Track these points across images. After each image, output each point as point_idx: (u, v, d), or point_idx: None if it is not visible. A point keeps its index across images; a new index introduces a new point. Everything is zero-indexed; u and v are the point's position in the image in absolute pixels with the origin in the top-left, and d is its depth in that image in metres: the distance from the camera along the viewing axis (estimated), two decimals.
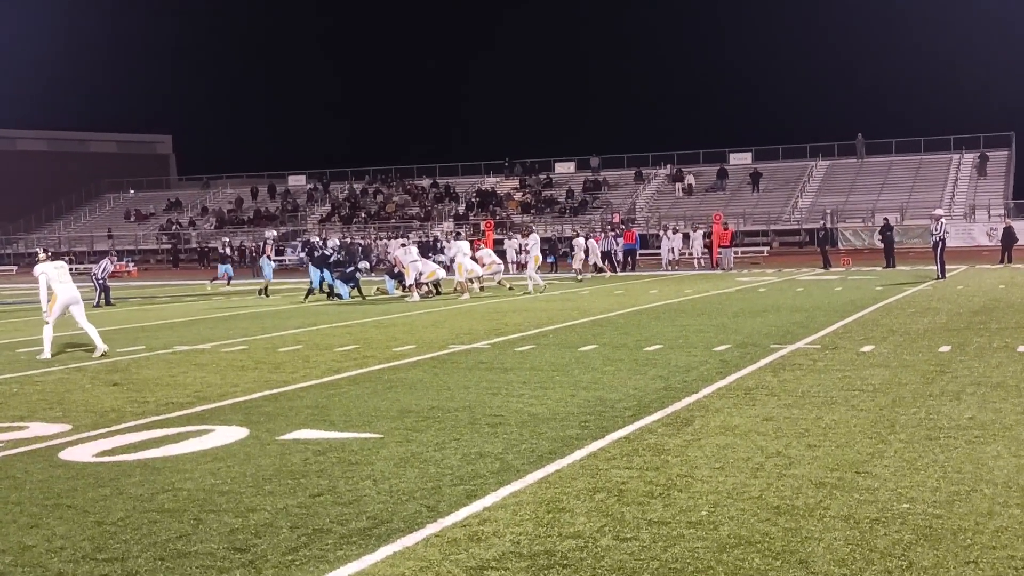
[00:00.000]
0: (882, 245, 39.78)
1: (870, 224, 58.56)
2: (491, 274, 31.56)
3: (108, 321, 23.47)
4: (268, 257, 36.14)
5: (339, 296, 29.56)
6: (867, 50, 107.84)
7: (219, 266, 39.49)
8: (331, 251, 30.71)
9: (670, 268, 43.54)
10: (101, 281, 30.53)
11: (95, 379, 13.26)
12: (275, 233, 55.55)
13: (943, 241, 30.58)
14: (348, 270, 30.01)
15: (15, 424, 10.13)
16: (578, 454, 7.96)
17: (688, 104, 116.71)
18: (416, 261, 29.03)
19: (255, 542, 5.97)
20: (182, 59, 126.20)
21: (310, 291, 30.06)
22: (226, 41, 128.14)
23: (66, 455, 8.54)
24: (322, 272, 30.08)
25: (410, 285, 28.69)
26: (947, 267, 30.56)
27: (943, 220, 31.42)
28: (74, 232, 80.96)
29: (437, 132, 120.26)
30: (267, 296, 31.43)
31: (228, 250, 40.57)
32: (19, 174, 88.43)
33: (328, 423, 9.57)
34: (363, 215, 73.60)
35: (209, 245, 70.01)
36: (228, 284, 38.36)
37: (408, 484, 7.17)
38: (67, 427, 9.83)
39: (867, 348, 13.90)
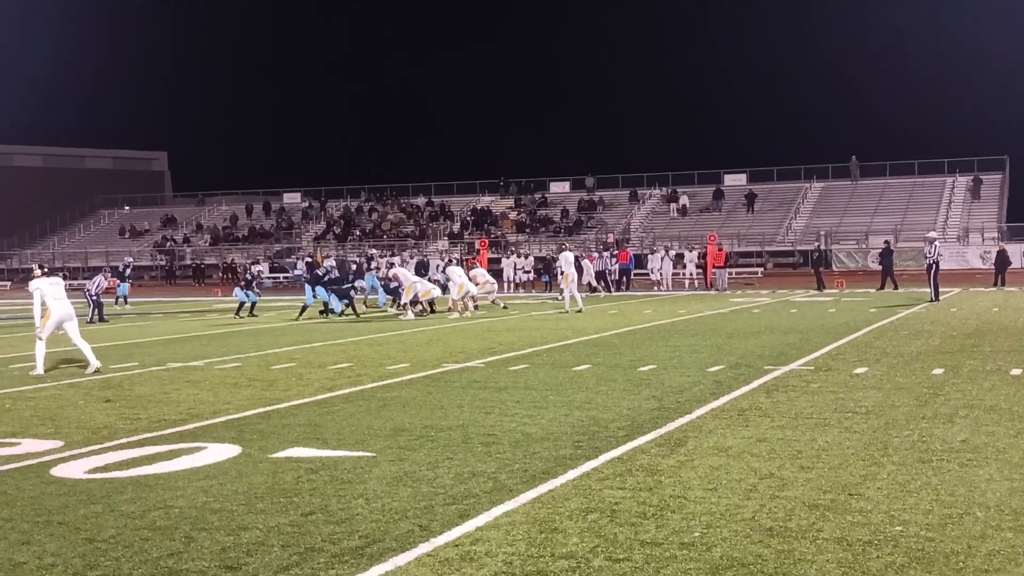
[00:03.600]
0: (880, 268, 39.77)
1: (864, 246, 58.71)
2: (485, 293, 31.53)
3: (102, 337, 23.42)
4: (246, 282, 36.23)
5: (332, 311, 29.54)
6: (862, 73, 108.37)
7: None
8: (326, 269, 30.71)
9: (656, 288, 43.86)
10: (95, 297, 30.49)
11: (88, 395, 13.23)
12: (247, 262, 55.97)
13: (936, 264, 30.57)
14: (344, 287, 30.06)
15: (7, 440, 10.10)
16: (571, 474, 7.95)
17: (684, 125, 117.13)
18: (416, 281, 29.08)
19: (247, 560, 5.95)
20: (177, 76, 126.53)
21: (304, 308, 30.00)
22: (222, 58, 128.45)
23: (58, 471, 8.51)
24: (315, 290, 30.04)
25: (405, 304, 28.69)
26: (940, 290, 30.60)
27: (937, 243, 31.44)
28: (69, 248, 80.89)
29: (432, 150, 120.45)
30: (250, 316, 30.86)
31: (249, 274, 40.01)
32: (14, 190, 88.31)
33: (321, 441, 9.55)
34: (358, 233, 73.63)
35: (205, 262, 70.01)
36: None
37: (401, 503, 7.15)
38: (59, 443, 9.80)
39: (860, 370, 13.91)
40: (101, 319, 30.01)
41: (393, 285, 30.61)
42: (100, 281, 31.35)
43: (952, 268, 49.65)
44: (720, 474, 7.83)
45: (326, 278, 30.04)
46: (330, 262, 32.34)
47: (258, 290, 32.15)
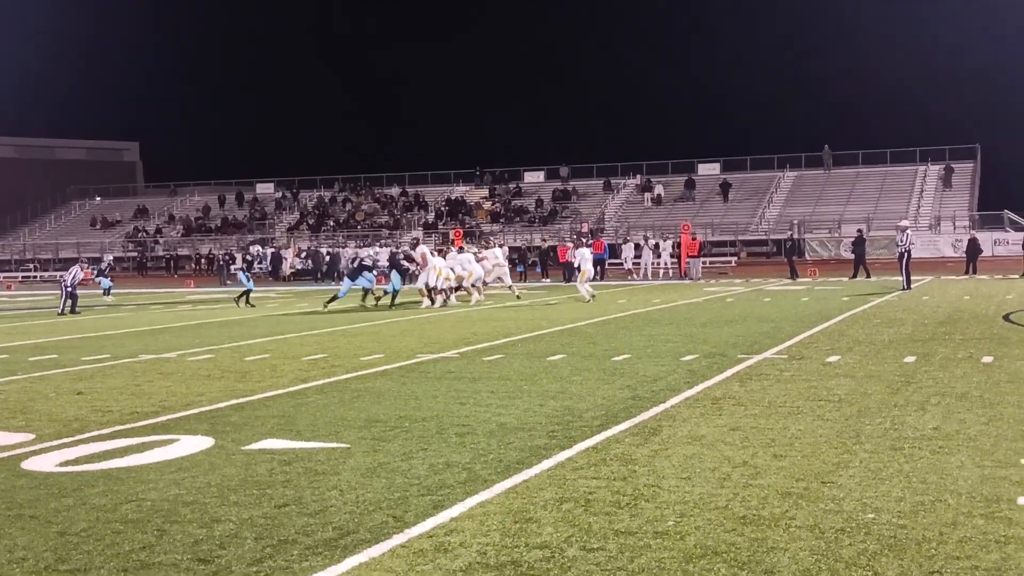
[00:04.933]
0: (852, 256, 39.96)
1: (836, 235, 59.01)
2: (496, 279, 31.91)
3: (73, 329, 23.26)
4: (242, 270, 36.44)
5: (336, 297, 29.35)
6: (834, 62, 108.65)
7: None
8: (366, 259, 30.78)
9: (630, 278, 44.11)
10: (70, 289, 30.22)
11: (59, 388, 13.13)
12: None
13: (908, 252, 30.74)
14: (354, 267, 30.41)
15: None
16: (546, 464, 7.95)
17: (657, 115, 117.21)
18: (442, 265, 28.71)
19: (219, 553, 5.92)
20: (149, 66, 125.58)
21: (395, 294, 29.88)
22: (194, 48, 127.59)
23: (29, 465, 8.44)
24: (353, 280, 30.02)
25: (445, 289, 28.45)
26: (912, 278, 30.80)
27: (908, 231, 31.59)
28: (40, 240, 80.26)
29: (406, 140, 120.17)
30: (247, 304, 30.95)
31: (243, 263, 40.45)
32: None
33: (294, 433, 9.51)
34: (332, 223, 73.39)
35: (177, 253, 69.64)
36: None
37: (375, 494, 7.13)
38: (30, 436, 9.72)
39: (833, 359, 13.98)
40: (74, 311, 29.78)
41: (412, 267, 29.82)
42: (76, 272, 31.08)
43: (924, 256, 49.97)
44: (694, 463, 7.85)
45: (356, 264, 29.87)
46: (373, 250, 31.69)
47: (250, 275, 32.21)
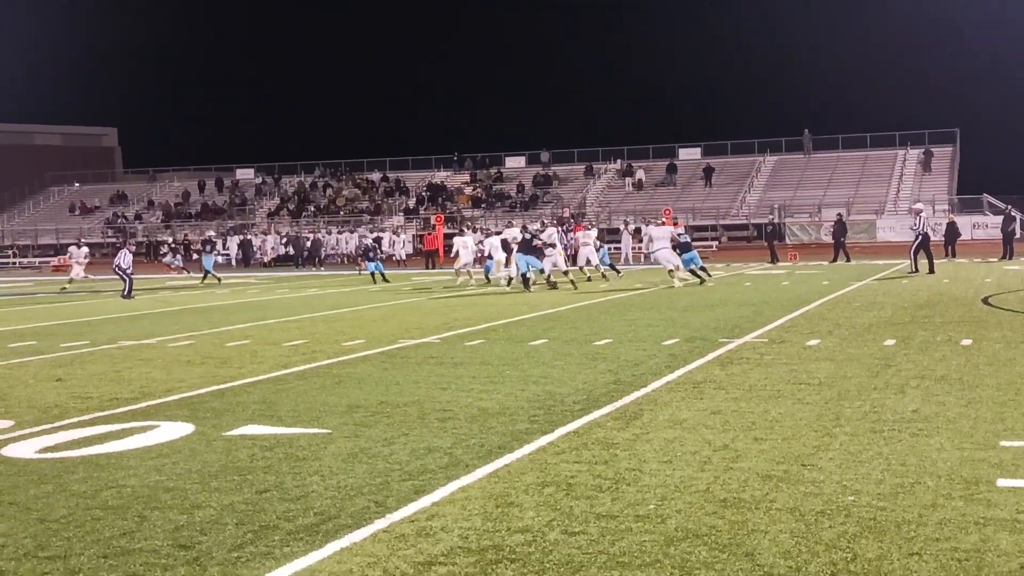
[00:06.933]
0: (832, 241, 39.98)
1: (817, 219, 59.16)
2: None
3: (54, 315, 23.14)
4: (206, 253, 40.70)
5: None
6: (814, 46, 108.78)
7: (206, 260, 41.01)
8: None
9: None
10: (127, 270, 30.62)
11: (38, 375, 13.06)
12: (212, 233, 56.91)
13: (926, 235, 29.74)
14: (367, 248, 33.95)
15: None
16: (527, 448, 7.95)
17: (637, 99, 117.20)
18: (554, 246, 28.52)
19: (200, 539, 5.90)
20: (126, 51, 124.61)
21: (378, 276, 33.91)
22: (171, 33, 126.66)
23: (8, 451, 8.40)
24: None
25: (550, 273, 28.23)
26: (894, 262, 30.73)
27: (923, 214, 30.35)
28: (18, 226, 79.70)
29: (387, 125, 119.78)
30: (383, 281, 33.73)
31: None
32: None
33: (276, 419, 9.49)
34: (312, 209, 73.16)
35: (158, 239, 69.26)
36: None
37: (356, 480, 7.12)
38: (9, 423, 9.67)
39: (813, 342, 14.03)
40: (129, 295, 29.84)
41: (549, 250, 28.89)
42: (126, 255, 31.20)
43: (903, 240, 50.10)
44: (675, 446, 7.87)
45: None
46: (513, 232, 31.12)
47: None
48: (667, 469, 7.18)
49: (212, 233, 56.19)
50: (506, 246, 30.43)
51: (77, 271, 36.88)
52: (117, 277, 31.40)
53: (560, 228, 41.17)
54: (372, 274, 34.47)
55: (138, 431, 9.08)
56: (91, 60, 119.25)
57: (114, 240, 71.69)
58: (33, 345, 16.46)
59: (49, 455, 8.25)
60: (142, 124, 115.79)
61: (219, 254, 53.56)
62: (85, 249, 38.40)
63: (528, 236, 28.58)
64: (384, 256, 31.19)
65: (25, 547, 5.83)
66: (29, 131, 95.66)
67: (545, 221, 37.73)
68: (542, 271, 28.42)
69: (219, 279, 38.90)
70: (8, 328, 17.99)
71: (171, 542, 5.86)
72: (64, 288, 35.60)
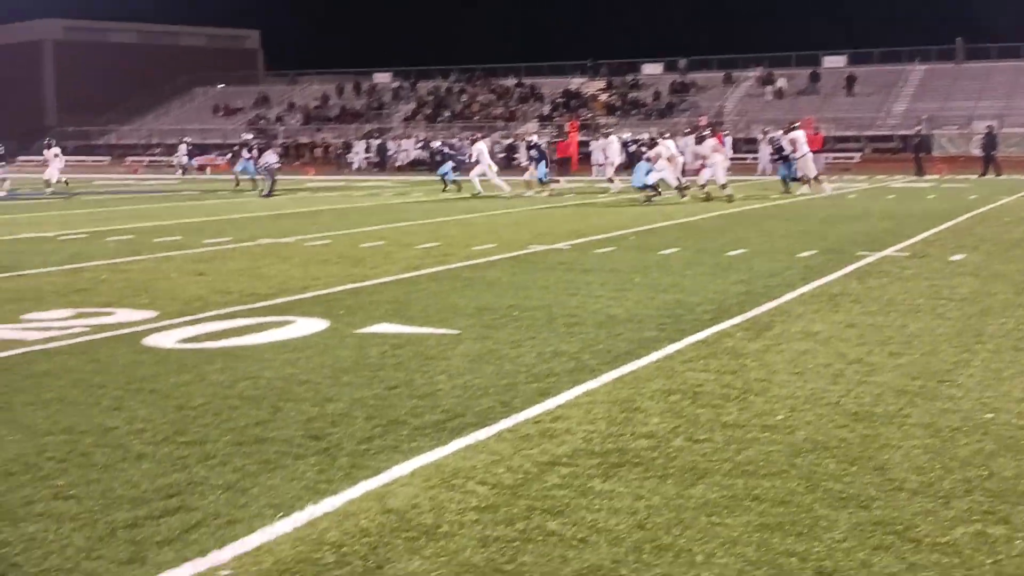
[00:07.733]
0: (981, 153, 38.44)
1: (966, 131, 56.83)
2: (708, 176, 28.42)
3: (197, 212, 23.82)
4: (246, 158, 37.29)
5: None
6: None
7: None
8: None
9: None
10: (277, 166, 32.03)
11: (181, 269, 13.49)
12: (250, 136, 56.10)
13: None
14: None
15: (102, 310, 10.34)
16: (654, 355, 7.90)
17: (781, 5, 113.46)
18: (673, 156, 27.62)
19: (331, 431, 6.04)
20: None
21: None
22: None
23: (150, 341, 8.71)
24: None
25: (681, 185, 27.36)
26: None
27: None
28: (164, 125, 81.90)
29: (524, 31, 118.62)
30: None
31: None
32: (111, 66, 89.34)
33: (407, 318, 9.62)
34: (448, 114, 73.35)
35: (299, 141, 70.42)
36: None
37: (483, 380, 7.19)
38: (153, 314, 10.02)
39: (957, 257, 13.55)
40: (271, 193, 30.84)
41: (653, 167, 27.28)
42: (271, 157, 32.41)
43: None
44: (807, 358, 7.72)
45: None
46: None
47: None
48: (797, 381, 7.05)
49: (249, 136, 55.83)
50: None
51: (51, 172, 35.29)
52: (261, 176, 32.67)
53: (692, 137, 38.40)
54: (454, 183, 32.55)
55: (274, 326, 9.31)
56: None
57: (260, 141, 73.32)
58: (178, 240, 16.99)
59: (189, 346, 8.53)
60: (283, 27, 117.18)
61: (363, 157, 54.13)
62: (56, 150, 36.27)
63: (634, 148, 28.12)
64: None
65: (164, 432, 6.05)
66: (175, 32, 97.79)
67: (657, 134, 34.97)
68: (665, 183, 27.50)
69: (259, 185, 34.30)
70: (154, 224, 18.61)
71: (303, 432, 6.01)
72: (46, 190, 34.01)
